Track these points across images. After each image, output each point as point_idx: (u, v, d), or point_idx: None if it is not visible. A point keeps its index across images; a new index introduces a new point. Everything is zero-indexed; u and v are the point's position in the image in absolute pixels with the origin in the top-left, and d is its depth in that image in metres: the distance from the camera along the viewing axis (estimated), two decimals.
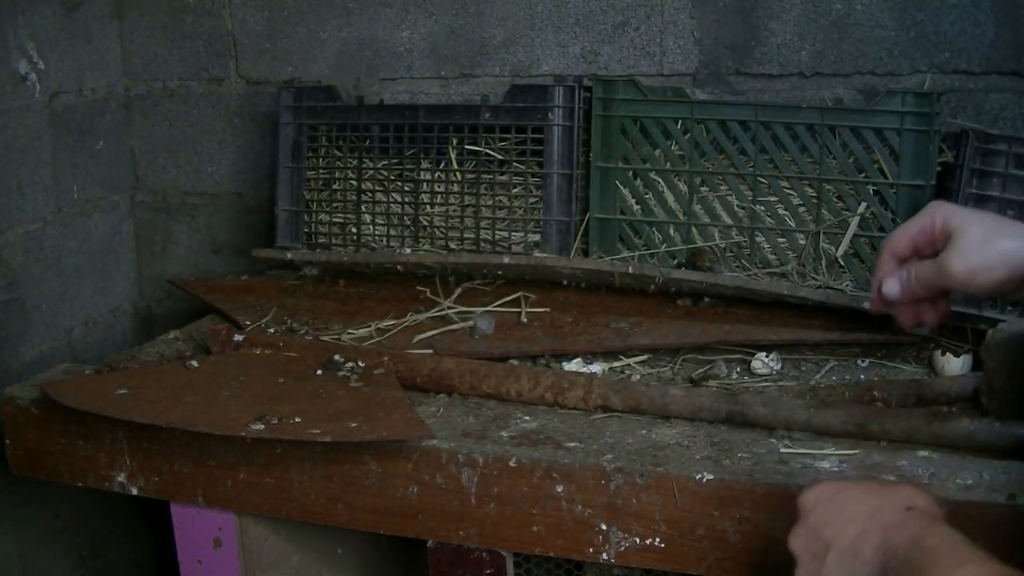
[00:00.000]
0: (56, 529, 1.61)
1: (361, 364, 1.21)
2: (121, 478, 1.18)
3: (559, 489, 0.99)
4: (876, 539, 0.73)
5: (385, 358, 1.20)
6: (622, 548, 0.98)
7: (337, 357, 1.22)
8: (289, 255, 1.50)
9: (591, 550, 0.99)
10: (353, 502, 1.07)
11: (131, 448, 1.16)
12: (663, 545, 0.96)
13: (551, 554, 1.02)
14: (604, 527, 0.98)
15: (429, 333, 1.30)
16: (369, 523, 1.08)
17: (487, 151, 1.45)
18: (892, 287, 0.92)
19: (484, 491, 1.02)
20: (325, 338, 1.31)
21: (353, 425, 1.03)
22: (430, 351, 1.25)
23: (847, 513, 0.77)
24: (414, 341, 1.28)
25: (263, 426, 1.03)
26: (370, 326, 1.34)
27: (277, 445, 1.09)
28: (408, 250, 1.46)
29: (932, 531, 0.71)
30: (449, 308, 1.36)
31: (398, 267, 1.42)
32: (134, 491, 1.18)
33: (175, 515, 1.19)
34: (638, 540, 0.97)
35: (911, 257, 0.91)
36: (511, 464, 1.00)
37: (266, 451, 1.10)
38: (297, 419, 1.05)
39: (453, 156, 1.47)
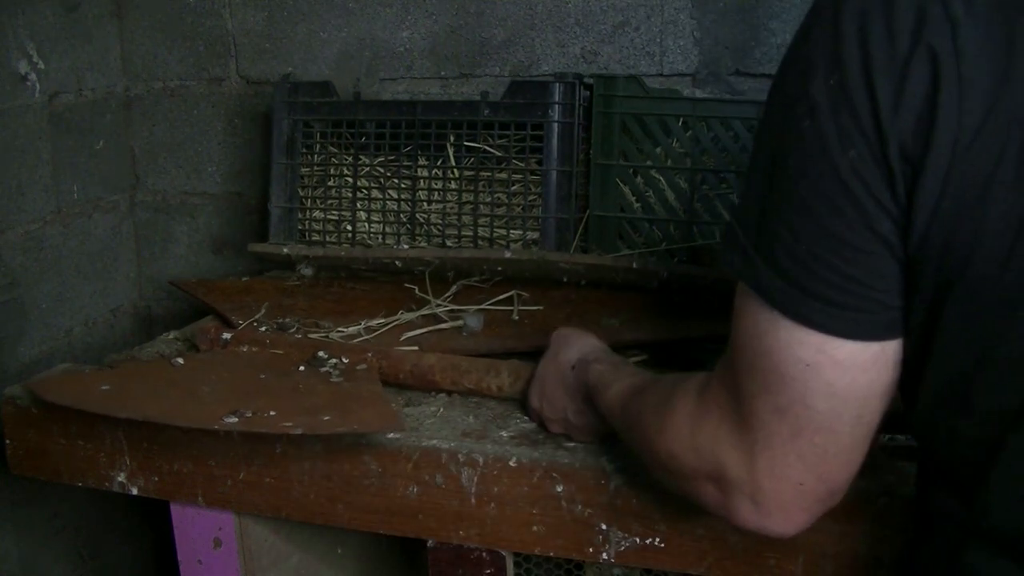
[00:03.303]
0: (56, 529, 1.61)
1: (345, 360, 1.21)
2: (121, 478, 1.18)
3: (559, 489, 0.99)
4: (574, 404, 0.99)
5: (369, 354, 1.20)
6: (622, 548, 0.98)
7: (321, 354, 1.22)
8: (285, 249, 1.49)
9: (591, 550, 0.99)
10: (353, 502, 1.07)
11: (131, 448, 1.16)
12: (663, 545, 0.96)
13: (551, 554, 1.02)
14: (604, 527, 0.98)
15: (418, 331, 1.30)
16: (369, 523, 1.08)
17: (486, 147, 1.45)
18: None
19: (484, 491, 1.01)
20: (313, 336, 1.31)
21: (326, 418, 1.03)
22: (415, 348, 1.25)
23: (551, 393, 1.03)
24: (403, 339, 1.28)
25: (237, 419, 1.03)
26: (359, 324, 1.34)
27: (277, 445, 1.09)
28: (406, 246, 1.46)
29: (590, 372, 0.96)
30: (439, 306, 1.36)
31: (396, 263, 1.41)
32: (134, 491, 1.18)
33: (175, 515, 1.19)
34: (638, 540, 0.97)
35: None
36: (511, 464, 1.00)
37: (266, 451, 1.10)
38: (272, 412, 1.05)
39: (451, 153, 1.47)
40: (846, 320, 0.65)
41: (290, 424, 1.02)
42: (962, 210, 0.60)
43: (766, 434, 0.70)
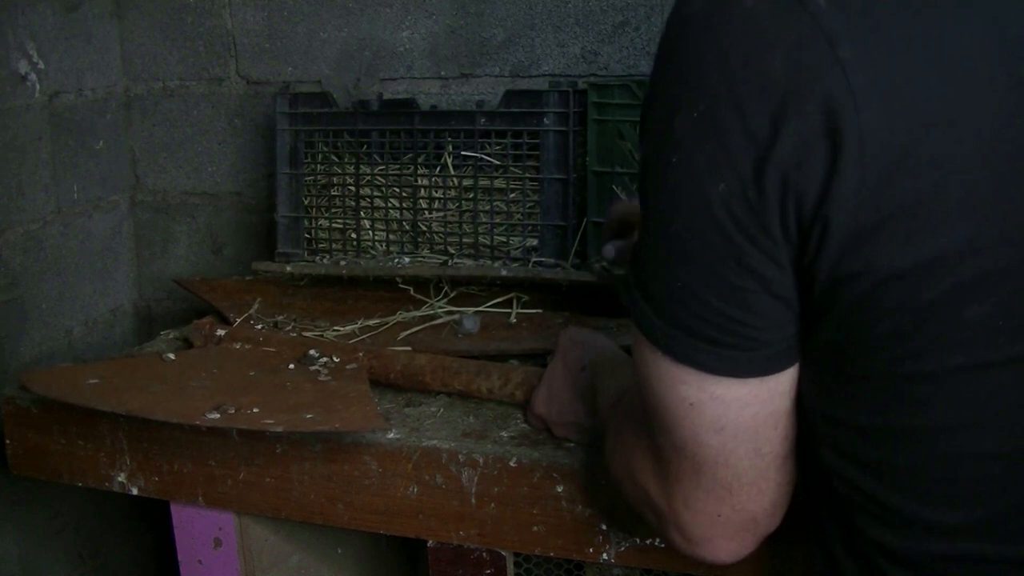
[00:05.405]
0: (56, 529, 1.61)
1: (336, 359, 1.21)
2: (121, 478, 1.18)
3: (559, 489, 0.99)
4: (585, 407, 0.97)
5: (360, 354, 1.20)
6: (622, 548, 0.98)
7: (312, 352, 1.22)
8: (288, 268, 1.49)
9: (591, 550, 0.99)
10: (353, 502, 1.07)
11: (131, 448, 1.16)
12: (663, 545, 0.96)
13: (551, 554, 1.02)
14: (604, 527, 0.98)
15: (413, 330, 1.30)
16: (369, 523, 1.08)
17: (482, 156, 1.45)
18: (607, 250, 1.15)
19: (484, 491, 1.02)
20: (308, 334, 1.31)
21: (309, 416, 1.03)
22: (407, 348, 1.25)
23: (560, 398, 1.01)
24: (399, 339, 1.28)
25: (219, 415, 1.03)
26: (356, 324, 1.34)
27: (277, 445, 1.09)
28: (407, 259, 1.46)
29: (596, 373, 0.96)
30: (439, 308, 1.36)
31: (396, 279, 1.42)
32: (134, 491, 1.18)
33: (175, 515, 1.19)
34: (638, 540, 0.97)
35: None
36: (511, 464, 1.00)
37: (266, 451, 1.10)
38: (255, 409, 1.05)
39: (449, 162, 1.46)
40: (722, 357, 0.64)
41: (271, 421, 1.02)
42: (870, 240, 0.57)
43: (673, 469, 0.70)
